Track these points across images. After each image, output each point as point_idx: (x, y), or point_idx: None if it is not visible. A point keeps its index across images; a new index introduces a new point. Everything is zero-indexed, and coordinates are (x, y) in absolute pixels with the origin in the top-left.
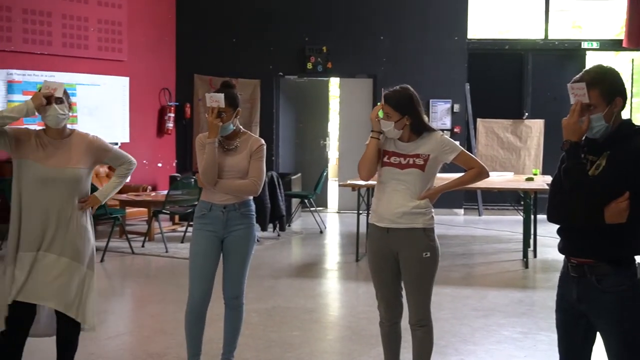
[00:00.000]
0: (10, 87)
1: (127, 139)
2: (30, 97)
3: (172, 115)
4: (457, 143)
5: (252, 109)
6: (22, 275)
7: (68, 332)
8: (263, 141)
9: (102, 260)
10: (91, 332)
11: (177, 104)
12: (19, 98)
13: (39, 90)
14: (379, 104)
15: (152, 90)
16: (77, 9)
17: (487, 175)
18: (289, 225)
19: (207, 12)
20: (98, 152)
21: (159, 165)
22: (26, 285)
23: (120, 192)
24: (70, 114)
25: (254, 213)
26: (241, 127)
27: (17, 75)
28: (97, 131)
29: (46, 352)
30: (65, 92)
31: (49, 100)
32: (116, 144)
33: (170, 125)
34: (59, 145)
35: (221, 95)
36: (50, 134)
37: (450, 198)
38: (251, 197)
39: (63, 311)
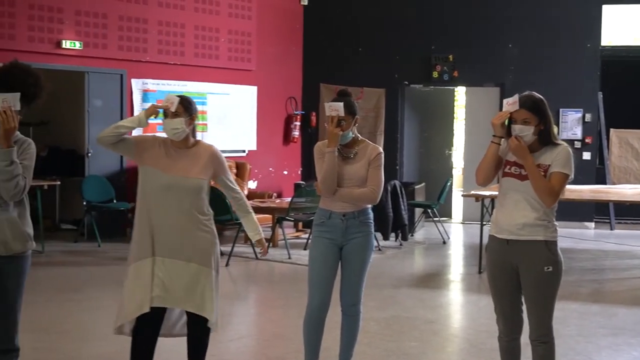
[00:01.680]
0: (145, 95)
1: (254, 147)
2: (146, 108)
3: (298, 123)
4: (572, 166)
5: (377, 118)
6: (153, 281)
7: (199, 332)
8: (381, 149)
9: (227, 265)
10: (214, 330)
11: (303, 112)
12: None
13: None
14: (504, 110)
15: (279, 99)
16: (209, 21)
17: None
18: (412, 235)
19: (334, 22)
20: (218, 166)
21: (285, 172)
22: (158, 290)
23: (246, 198)
24: (191, 126)
25: (372, 221)
26: (359, 135)
27: (152, 84)
28: (225, 139)
29: (177, 353)
30: (187, 106)
31: (166, 114)
32: (244, 151)
33: (296, 133)
34: (183, 154)
35: (340, 104)
36: (175, 144)
37: (580, 211)
38: (370, 206)
39: (195, 312)
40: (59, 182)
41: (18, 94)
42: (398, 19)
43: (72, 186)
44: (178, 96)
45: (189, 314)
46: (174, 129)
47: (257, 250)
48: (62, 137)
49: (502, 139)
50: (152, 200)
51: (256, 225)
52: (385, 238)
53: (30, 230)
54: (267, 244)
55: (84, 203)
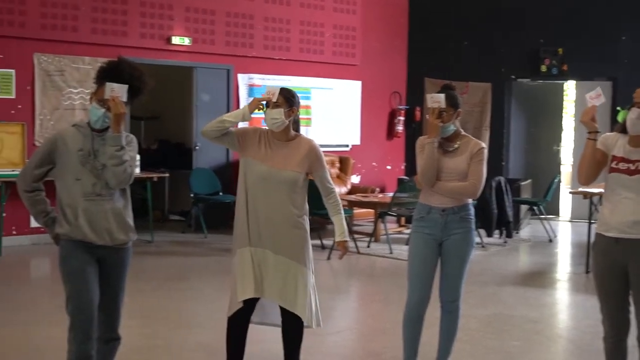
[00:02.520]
0: (251, 90)
1: (357, 142)
2: (249, 102)
3: (402, 118)
4: None
5: (482, 113)
6: (252, 271)
7: (292, 324)
8: (484, 144)
9: (328, 259)
10: (311, 327)
11: (407, 107)
12: None
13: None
14: (590, 105)
15: (382, 94)
16: (314, 16)
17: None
18: (517, 232)
19: (439, 16)
20: (315, 162)
21: (388, 167)
22: (253, 280)
23: (349, 192)
24: (291, 117)
25: (473, 217)
26: (462, 130)
27: (258, 79)
28: (329, 134)
29: (274, 342)
30: (288, 97)
31: (268, 105)
32: (347, 146)
33: (400, 128)
34: (282, 147)
35: (442, 96)
36: (275, 135)
37: None
38: (470, 201)
39: (287, 308)
40: (167, 175)
41: (126, 86)
42: (505, 11)
43: (181, 179)
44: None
45: (282, 307)
46: (273, 119)
47: (338, 251)
48: (172, 131)
49: (598, 133)
50: (250, 191)
51: (344, 228)
52: (489, 235)
53: (132, 221)
54: (347, 249)
55: (192, 195)
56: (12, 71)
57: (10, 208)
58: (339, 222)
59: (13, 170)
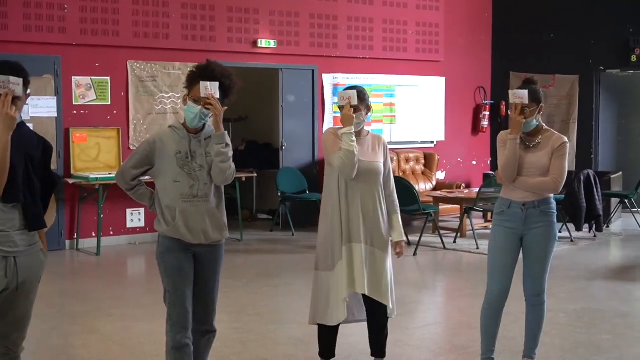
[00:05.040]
0: (335, 90)
1: (442, 138)
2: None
3: (487, 113)
4: None
5: (570, 106)
6: (348, 267)
7: (380, 318)
8: (566, 139)
9: (414, 254)
10: (391, 317)
11: (492, 102)
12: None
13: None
14: None
15: (467, 89)
16: (397, 14)
17: None
18: (607, 226)
19: (524, 9)
20: (387, 155)
21: (474, 163)
22: (349, 276)
23: (434, 188)
24: (368, 114)
25: (554, 211)
26: (544, 124)
27: (342, 79)
28: (413, 130)
29: (360, 336)
30: (364, 99)
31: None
32: (432, 142)
33: (485, 123)
34: (361, 143)
35: (524, 92)
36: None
37: None
38: (552, 195)
39: (377, 299)
40: (255, 174)
41: (217, 83)
42: (592, 0)
43: (268, 178)
44: (353, 88)
45: (368, 301)
46: (358, 123)
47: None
48: (259, 132)
49: None
50: (344, 187)
51: (400, 228)
52: (578, 229)
53: (225, 220)
54: (403, 248)
55: (279, 194)
56: (107, 78)
57: (107, 209)
58: (397, 221)
59: (109, 174)
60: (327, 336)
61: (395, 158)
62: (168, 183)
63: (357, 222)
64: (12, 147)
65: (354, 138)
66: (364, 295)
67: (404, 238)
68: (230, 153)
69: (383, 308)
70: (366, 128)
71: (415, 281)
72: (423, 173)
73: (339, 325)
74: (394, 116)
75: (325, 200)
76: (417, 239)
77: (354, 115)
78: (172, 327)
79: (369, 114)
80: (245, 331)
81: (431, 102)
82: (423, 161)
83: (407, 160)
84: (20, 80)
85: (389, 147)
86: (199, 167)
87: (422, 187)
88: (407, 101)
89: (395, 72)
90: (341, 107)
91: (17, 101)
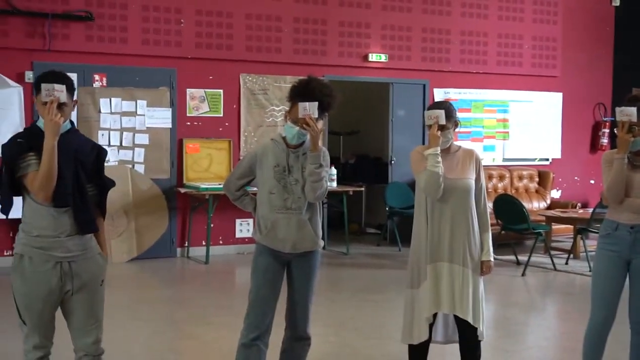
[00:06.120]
0: None
1: (558, 155)
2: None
3: (607, 130)
4: None
5: None
6: (433, 286)
7: (469, 338)
8: None
9: (523, 275)
10: (481, 339)
11: (613, 119)
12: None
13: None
14: None
15: (586, 106)
16: (513, 28)
17: None
18: None
19: None
20: (479, 170)
21: (592, 182)
22: (434, 295)
23: (548, 207)
24: (455, 131)
25: None
26: None
27: (454, 93)
28: (528, 147)
29: (452, 355)
30: (452, 117)
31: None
32: (547, 159)
33: (605, 141)
34: (450, 159)
35: (633, 109)
36: (442, 151)
37: None
38: None
39: (462, 316)
40: (363, 188)
41: (316, 103)
42: None
43: (377, 192)
44: (440, 104)
45: (458, 321)
46: (446, 140)
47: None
48: (370, 146)
49: None
50: (430, 205)
51: (489, 247)
52: None
53: (319, 231)
54: (490, 269)
55: (387, 208)
56: (221, 91)
57: (217, 219)
58: (487, 240)
59: (220, 184)
60: (415, 355)
61: (507, 175)
62: (264, 194)
63: (444, 241)
64: (60, 151)
65: (440, 159)
66: (455, 315)
67: (491, 258)
68: (324, 173)
69: (473, 328)
70: (459, 144)
71: (522, 302)
72: (537, 191)
73: (428, 345)
74: (507, 132)
75: (415, 218)
76: (526, 258)
77: (440, 135)
78: (247, 325)
79: (457, 128)
80: (342, 345)
81: (547, 118)
82: (537, 179)
83: (520, 178)
84: (64, 87)
85: (502, 164)
86: (295, 181)
87: (535, 205)
88: (521, 117)
89: (510, 87)
90: (429, 126)
91: (63, 107)
